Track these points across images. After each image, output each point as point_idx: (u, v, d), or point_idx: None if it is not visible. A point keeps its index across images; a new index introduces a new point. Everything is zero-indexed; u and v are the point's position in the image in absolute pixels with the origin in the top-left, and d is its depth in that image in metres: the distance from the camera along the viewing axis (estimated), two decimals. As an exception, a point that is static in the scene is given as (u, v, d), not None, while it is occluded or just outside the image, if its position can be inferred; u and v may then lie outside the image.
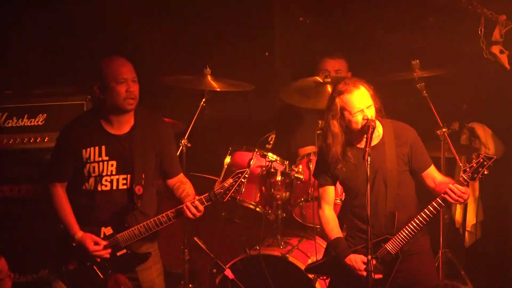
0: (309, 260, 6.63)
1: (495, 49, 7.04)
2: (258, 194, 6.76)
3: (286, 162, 6.78)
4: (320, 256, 6.27)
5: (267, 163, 6.75)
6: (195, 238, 6.53)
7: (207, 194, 5.89)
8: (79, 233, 5.91)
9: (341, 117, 5.86)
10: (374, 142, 5.93)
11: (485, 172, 5.74)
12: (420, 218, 5.77)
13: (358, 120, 5.75)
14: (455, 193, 5.72)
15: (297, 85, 7.09)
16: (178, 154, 6.52)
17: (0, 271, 5.15)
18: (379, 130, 5.96)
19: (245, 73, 7.59)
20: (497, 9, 7.07)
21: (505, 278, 7.25)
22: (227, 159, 6.84)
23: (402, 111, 6.35)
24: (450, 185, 5.74)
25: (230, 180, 5.92)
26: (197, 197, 5.90)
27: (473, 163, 5.77)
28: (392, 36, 7.56)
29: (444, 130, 6.74)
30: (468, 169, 5.77)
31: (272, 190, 6.72)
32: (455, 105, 7.44)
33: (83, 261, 5.94)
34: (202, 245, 6.47)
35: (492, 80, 7.35)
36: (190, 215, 5.86)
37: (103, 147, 5.96)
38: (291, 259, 6.55)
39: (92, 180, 5.97)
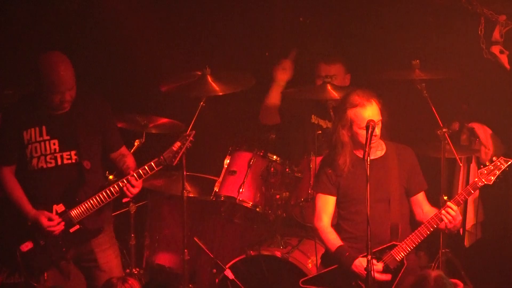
0: (309, 260, 6.65)
1: (495, 49, 7.05)
2: (258, 194, 6.77)
3: (286, 162, 6.78)
4: (319, 257, 6.29)
5: (267, 163, 6.75)
6: (195, 238, 6.69)
7: (156, 159, 5.93)
8: (32, 211, 5.92)
9: (349, 128, 5.93)
10: (378, 155, 6.03)
11: (500, 176, 5.82)
12: (425, 228, 5.83)
13: (365, 134, 5.77)
14: (452, 210, 5.81)
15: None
16: None
17: None
18: (383, 147, 6.06)
19: (245, 74, 7.34)
20: (497, 9, 7.05)
21: (505, 278, 7.26)
22: (227, 159, 6.86)
23: (402, 111, 6.41)
24: (449, 203, 5.85)
25: (178, 143, 5.99)
26: (146, 164, 5.94)
27: (490, 165, 5.86)
28: (392, 36, 7.55)
29: (444, 130, 6.71)
30: (485, 171, 5.85)
31: (272, 190, 6.72)
32: (455, 105, 7.43)
33: (37, 241, 5.95)
34: (202, 245, 6.67)
35: (492, 80, 7.33)
36: (126, 191, 5.91)
37: (44, 127, 5.97)
38: (291, 259, 6.57)
39: (35, 160, 5.98)
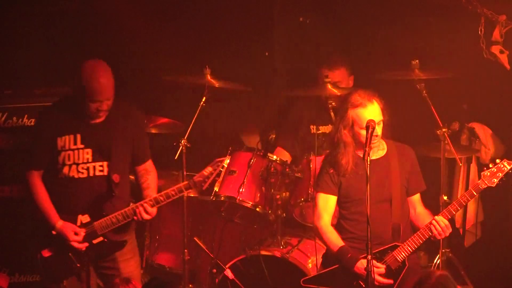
0: (309, 260, 6.64)
1: (495, 49, 7.10)
2: (258, 194, 6.76)
3: (286, 162, 6.78)
4: (320, 257, 6.29)
5: (267, 163, 6.74)
6: (195, 238, 6.60)
7: (186, 182, 5.94)
8: (59, 222, 5.91)
9: (350, 128, 5.94)
10: (380, 155, 6.05)
11: (503, 178, 5.82)
12: (427, 230, 5.84)
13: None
14: (440, 223, 5.81)
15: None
16: (177, 154, 6.57)
17: None
18: (384, 146, 6.07)
19: (245, 73, 7.64)
20: (497, 9, 7.09)
21: (505, 278, 7.26)
22: (227, 160, 6.67)
23: (402, 111, 6.38)
24: (437, 217, 5.84)
25: (210, 168, 6.00)
26: (176, 186, 5.95)
27: (493, 167, 5.86)
28: (392, 36, 7.58)
29: (444, 130, 6.73)
30: (488, 174, 5.85)
31: (272, 190, 6.72)
32: (455, 105, 7.47)
33: (59, 249, 5.94)
34: (202, 245, 6.56)
35: (492, 80, 7.36)
36: (139, 216, 5.92)
37: (78, 135, 5.97)
38: (291, 259, 6.57)
39: (66, 168, 5.97)
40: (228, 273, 6.35)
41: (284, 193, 6.75)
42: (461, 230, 7.55)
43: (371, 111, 5.88)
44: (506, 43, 7.12)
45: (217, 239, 7.07)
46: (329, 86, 6.84)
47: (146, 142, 6.21)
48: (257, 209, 6.73)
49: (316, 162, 6.63)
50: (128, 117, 6.06)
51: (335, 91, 6.81)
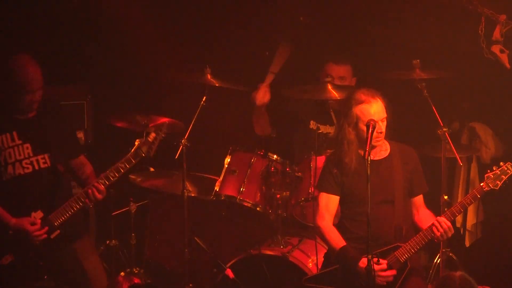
0: (310, 260, 6.66)
1: (496, 49, 7.08)
2: (259, 194, 6.79)
3: (287, 162, 6.80)
4: (320, 257, 6.33)
5: (268, 163, 6.77)
6: (195, 238, 6.72)
7: (133, 151, 5.97)
8: (13, 220, 5.88)
9: (354, 126, 5.97)
10: (383, 155, 6.08)
11: (506, 181, 5.83)
12: (430, 231, 5.85)
13: (371, 131, 5.84)
14: (442, 225, 5.83)
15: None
16: (178, 153, 6.62)
17: None
18: (387, 147, 6.09)
19: (245, 72, 7.64)
20: (498, 9, 7.09)
21: (505, 278, 7.29)
22: (227, 159, 6.89)
23: (403, 110, 6.42)
24: (439, 218, 5.86)
25: (153, 134, 6.03)
26: (123, 158, 5.95)
27: (497, 170, 5.87)
28: (393, 36, 7.58)
29: (444, 129, 6.71)
30: (492, 176, 5.86)
31: (273, 190, 6.75)
32: (455, 104, 7.53)
33: (19, 252, 5.90)
34: (202, 244, 6.72)
35: (493, 80, 7.38)
36: (91, 197, 5.91)
37: (15, 133, 5.97)
38: (291, 258, 6.58)
39: (10, 167, 5.96)
40: (229, 273, 6.42)
41: (284, 193, 6.76)
42: (461, 230, 7.58)
43: (376, 108, 5.92)
44: (506, 42, 7.09)
45: (218, 238, 7.10)
46: (329, 86, 6.84)
47: (76, 136, 6.30)
48: (258, 208, 6.77)
49: (316, 161, 6.65)
50: (56, 113, 6.10)
51: (335, 94, 6.83)
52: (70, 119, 6.30)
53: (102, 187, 5.91)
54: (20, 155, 5.95)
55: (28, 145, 5.97)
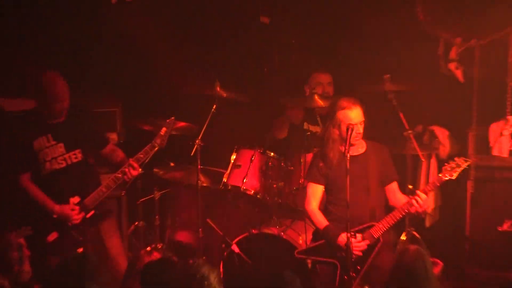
0: (300, 237, 6.88)
1: (452, 66, 7.52)
2: (259, 184, 7.04)
3: (282, 158, 7.06)
4: (309, 234, 6.59)
5: (266, 159, 7.01)
6: (207, 220, 7.10)
7: (150, 144, 6.24)
8: (56, 206, 6.21)
9: (338, 127, 6.20)
10: (360, 152, 6.30)
11: (461, 173, 6.05)
12: (398, 212, 6.14)
13: (351, 132, 6.09)
14: (421, 198, 6.09)
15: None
16: (193, 151, 6.87)
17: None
18: (363, 145, 6.32)
19: (248, 85, 7.93)
20: (455, 32, 7.47)
21: (457, 252, 7.52)
22: (233, 156, 7.15)
23: (376, 117, 6.55)
24: (418, 191, 6.11)
25: (165, 129, 6.29)
26: (144, 149, 6.22)
27: (452, 163, 6.10)
28: (367, 54, 7.73)
29: (409, 132, 7.05)
30: (449, 168, 6.07)
31: (270, 181, 6.99)
32: (419, 111, 7.61)
33: (60, 230, 6.21)
34: (213, 225, 7.10)
35: (449, 91, 7.64)
36: (128, 175, 6.21)
37: (49, 135, 6.25)
38: (285, 236, 6.83)
39: (48, 164, 6.25)
40: (235, 248, 6.79)
41: (280, 183, 7.01)
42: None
43: (355, 113, 6.11)
44: (460, 60, 7.45)
45: (225, 220, 7.30)
46: (316, 97, 7.13)
47: (101, 131, 6.53)
48: (258, 196, 7.02)
49: (305, 158, 6.87)
50: (82, 116, 6.34)
51: (321, 102, 7.03)
52: (95, 119, 6.46)
53: (136, 164, 6.22)
54: (55, 153, 6.28)
55: (61, 144, 6.30)
